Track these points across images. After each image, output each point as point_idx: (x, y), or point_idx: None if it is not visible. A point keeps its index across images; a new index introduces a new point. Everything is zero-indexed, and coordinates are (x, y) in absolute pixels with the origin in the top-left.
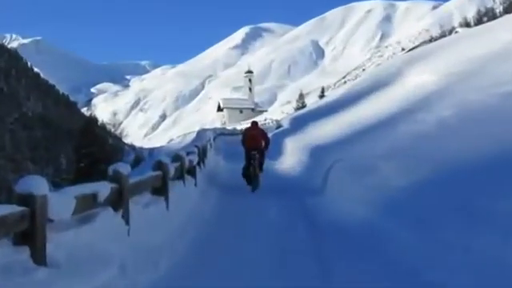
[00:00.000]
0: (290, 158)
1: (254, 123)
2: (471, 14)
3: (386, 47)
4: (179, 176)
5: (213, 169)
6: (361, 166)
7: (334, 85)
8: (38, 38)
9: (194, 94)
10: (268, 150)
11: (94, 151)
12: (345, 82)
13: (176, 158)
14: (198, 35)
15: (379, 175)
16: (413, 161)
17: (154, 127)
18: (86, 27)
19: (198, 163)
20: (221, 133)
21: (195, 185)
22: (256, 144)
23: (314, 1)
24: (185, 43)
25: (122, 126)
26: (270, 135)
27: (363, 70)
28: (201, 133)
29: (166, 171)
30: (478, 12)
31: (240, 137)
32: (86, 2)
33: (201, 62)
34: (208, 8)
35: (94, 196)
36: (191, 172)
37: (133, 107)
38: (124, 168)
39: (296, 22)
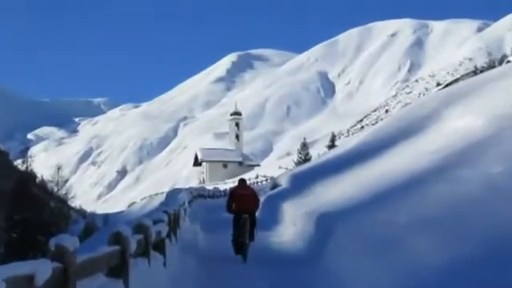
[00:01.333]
0: (290, 228)
1: (243, 181)
2: None
3: (417, 81)
4: (143, 252)
5: (188, 243)
6: (382, 239)
7: (348, 131)
8: None
9: (164, 142)
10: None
11: (30, 218)
12: (362, 128)
13: (139, 228)
14: (170, 65)
15: (406, 251)
16: (452, 233)
17: (111, 186)
18: (21, 53)
19: (169, 235)
20: (199, 194)
21: (164, 264)
22: (247, 206)
23: (323, 20)
24: (152, 75)
25: (68, 184)
26: (262, 198)
27: (386, 111)
28: (172, 194)
29: (125, 246)
30: None
31: (224, 200)
32: (21, 23)
33: (173, 101)
34: (183, 31)
35: (30, 278)
36: (159, 247)
37: (82, 159)
38: (70, 241)
39: (298, 47)
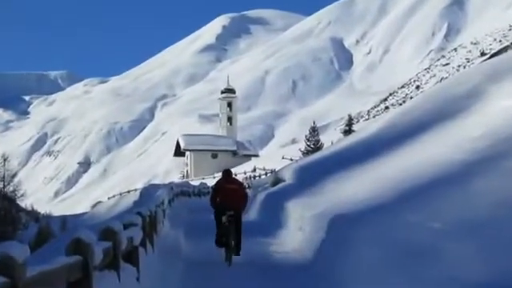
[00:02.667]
0: (296, 234)
1: (229, 173)
2: None
3: (455, 50)
4: (111, 264)
5: (168, 252)
6: (412, 248)
7: (369, 113)
8: None
9: (138, 126)
10: (246, 211)
11: None
12: (386, 109)
13: (106, 233)
14: (144, 31)
15: (443, 263)
16: (502, 240)
17: (71, 182)
18: None
19: (143, 243)
20: (181, 191)
21: (138, 279)
22: (233, 202)
23: None
24: (122, 44)
25: (16, 179)
26: (262, 195)
27: (417, 87)
28: (148, 192)
29: (88, 256)
30: None
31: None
32: None
33: (148, 75)
34: None
35: None
36: (131, 257)
37: (35, 148)
38: (19, 250)
39: (306, 7)
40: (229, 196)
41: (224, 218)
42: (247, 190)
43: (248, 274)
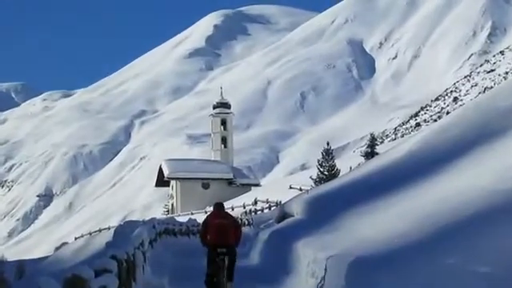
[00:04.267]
0: (307, 281)
1: (220, 206)
2: None
3: (502, 53)
4: None
5: None
6: None
7: (396, 131)
8: None
9: (111, 150)
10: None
11: None
12: (417, 126)
13: (73, 282)
14: (118, 32)
15: None
16: None
17: (29, 218)
18: None
19: None
20: (166, 230)
21: None
22: (225, 239)
23: None
24: (91, 48)
25: None
26: (265, 234)
27: (455, 99)
28: (124, 230)
29: None
30: None
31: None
32: None
33: (123, 87)
34: None
35: None
36: None
37: None
38: None
39: (316, 3)
40: (219, 232)
41: (217, 259)
42: (246, 228)
43: None
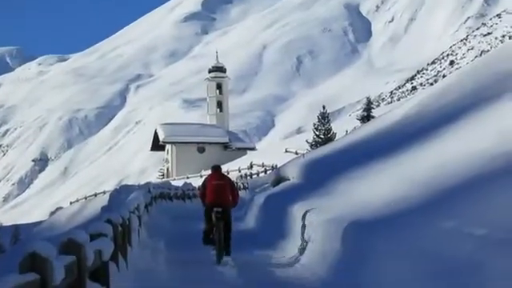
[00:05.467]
0: (302, 246)
1: (217, 168)
2: None
3: (499, 16)
4: (75, 284)
5: (145, 270)
6: (447, 261)
7: (392, 95)
8: None
9: (106, 114)
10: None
11: None
12: (414, 90)
13: (68, 246)
14: None
15: (487, 279)
16: None
17: (23, 183)
18: None
19: (115, 257)
20: (161, 194)
21: None
22: (221, 198)
23: None
24: (85, 13)
25: None
26: (261, 198)
27: (451, 63)
28: (119, 195)
29: (46, 274)
30: None
31: (200, 201)
32: None
33: (118, 51)
34: None
35: None
36: (100, 275)
37: None
38: None
39: None
40: (216, 192)
41: (212, 216)
42: (242, 192)
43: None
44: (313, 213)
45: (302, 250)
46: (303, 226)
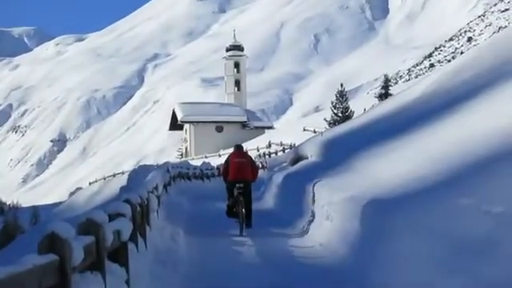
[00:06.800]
0: (322, 223)
1: (239, 147)
2: None
3: None
4: (94, 264)
5: (164, 250)
6: (468, 238)
7: (409, 72)
8: None
9: (124, 94)
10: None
11: None
12: (431, 67)
13: (87, 226)
14: None
15: (506, 256)
16: None
17: (42, 164)
18: None
19: (134, 238)
20: (179, 174)
21: (127, 283)
22: (243, 175)
23: None
24: None
25: None
26: (279, 177)
27: (469, 39)
28: (138, 175)
29: (65, 255)
30: None
31: (218, 181)
32: None
33: (136, 30)
34: None
35: None
36: (119, 256)
37: None
38: None
39: None
40: (238, 169)
41: (235, 191)
42: (260, 171)
43: (262, 276)
44: (332, 191)
45: (310, 223)
46: (313, 199)
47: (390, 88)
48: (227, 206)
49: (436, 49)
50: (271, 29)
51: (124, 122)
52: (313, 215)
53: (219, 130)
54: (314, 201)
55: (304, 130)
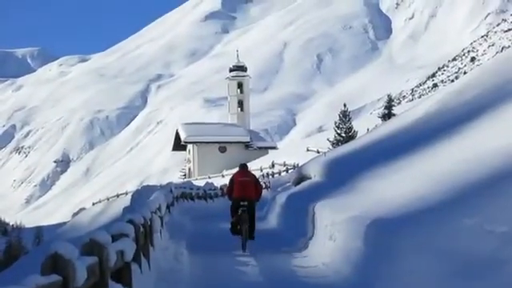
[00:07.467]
0: (325, 243)
1: (244, 167)
2: None
3: None
4: (97, 285)
5: (167, 271)
6: (473, 258)
7: (413, 92)
8: None
9: (127, 114)
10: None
11: None
12: (435, 87)
13: (90, 247)
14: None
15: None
16: None
17: (46, 185)
18: None
19: (137, 258)
20: (183, 194)
21: None
22: (247, 193)
23: None
24: (106, 14)
25: None
26: (283, 197)
27: (472, 59)
28: (141, 195)
29: (68, 275)
30: None
31: (222, 201)
32: None
33: (139, 51)
34: None
35: None
36: (122, 276)
37: (0, 145)
38: None
39: None
40: (242, 187)
41: (239, 210)
42: (264, 191)
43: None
44: (335, 211)
45: (312, 243)
46: (313, 219)
47: (394, 108)
48: (231, 223)
49: (439, 69)
50: (274, 49)
51: (127, 142)
52: (313, 235)
53: (222, 150)
54: (313, 220)
55: (307, 150)
